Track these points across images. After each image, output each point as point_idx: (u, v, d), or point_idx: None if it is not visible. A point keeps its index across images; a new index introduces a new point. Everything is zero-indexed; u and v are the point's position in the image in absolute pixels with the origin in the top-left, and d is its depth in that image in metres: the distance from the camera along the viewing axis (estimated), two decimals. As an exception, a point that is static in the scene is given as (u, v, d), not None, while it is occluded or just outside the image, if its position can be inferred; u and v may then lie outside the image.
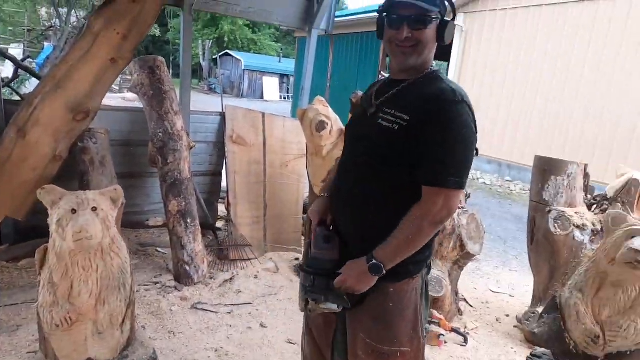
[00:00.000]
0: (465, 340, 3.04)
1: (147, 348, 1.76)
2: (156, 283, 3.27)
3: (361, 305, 1.39)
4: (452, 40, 9.53)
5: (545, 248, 3.15)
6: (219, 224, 4.39)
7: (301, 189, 4.25)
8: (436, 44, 1.36)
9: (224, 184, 4.29)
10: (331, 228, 1.48)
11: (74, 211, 1.53)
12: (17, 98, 5.35)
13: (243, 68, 26.78)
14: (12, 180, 2.91)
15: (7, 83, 4.78)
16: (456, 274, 3.42)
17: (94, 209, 1.57)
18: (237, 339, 2.83)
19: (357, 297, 1.36)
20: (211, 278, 3.49)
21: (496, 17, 9.17)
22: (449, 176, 1.23)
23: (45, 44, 15.29)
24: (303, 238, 4.16)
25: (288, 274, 3.75)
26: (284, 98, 26.86)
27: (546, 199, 3.17)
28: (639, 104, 7.07)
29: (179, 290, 3.23)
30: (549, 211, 3.10)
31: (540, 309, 2.95)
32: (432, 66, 1.39)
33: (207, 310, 3.08)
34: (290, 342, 2.88)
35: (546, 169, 3.21)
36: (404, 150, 1.28)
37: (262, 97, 26.32)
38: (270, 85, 27.14)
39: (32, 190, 2.99)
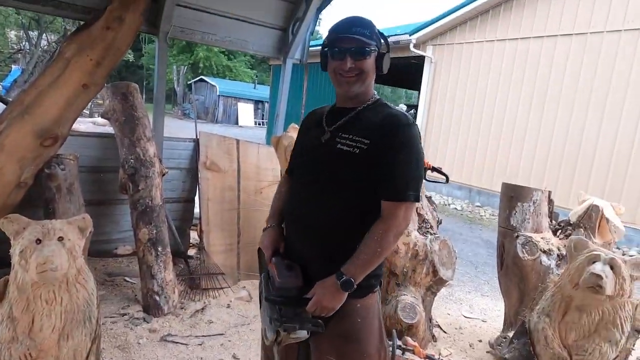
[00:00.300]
0: (439, 368, 3.04)
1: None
2: (124, 314, 3.15)
3: (326, 327, 1.40)
4: (423, 71, 9.88)
5: (515, 273, 3.23)
6: (191, 252, 4.30)
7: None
8: (375, 73, 1.48)
9: (196, 210, 4.23)
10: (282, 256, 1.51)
11: (38, 241, 1.48)
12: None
13: (218, 94, 26.86)
14: (-28, 208, 2.79)
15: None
16: (429, 300, 3.44)
17: (60, 239, 1.52)
18: (209, 372, 2.74)
19: (324, 319, 1.37)
20: (182, 308, 3.39)
21: (463, 50, 9.62)
22: (408, 191, 1.37)
23: (13, 66, 14.95)
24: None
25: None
26: (259, 124, 26.97)
27: (514, 225, 3.28)
28: (598, 133, 7.47)
29: (148, 322, 3.12)
30: (517, 236, 3.19)
31: (511, 334, 3.00)
32: (374, 93, 1.53)
33: (177, 342, 2.98)
34: (264, 374, 2.80)
35: (512, 196, 3.32)
36: (365, 171, 1.40)
37: (237, 123, 26.35)
38: (245, 111, 27.26)
39: (-7, 218, 2.87)
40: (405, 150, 1.38)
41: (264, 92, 27.12)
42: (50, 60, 3.36)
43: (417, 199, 1.40)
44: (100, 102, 11.09)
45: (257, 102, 28.02)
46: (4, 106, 3.58)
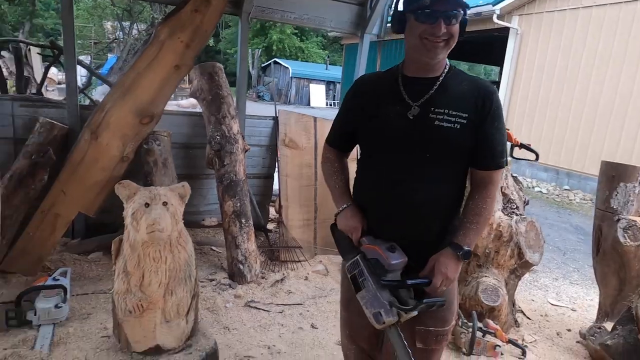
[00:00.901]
0: (524, 353, 2.91)
1: (209, 339, 1.83)
2: (212, 280, 3.39)
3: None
4: (507, 44, 9.18)
5: (614, 259, 2.96)
6: (270, 226, 4.48)
7: (351, 193, 4.26)
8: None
9: (275, 186, 4.39)
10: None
11: (147, 205, 1.63)
12: (89, 102, 5.75)
13: (291, 75, 27.27)
14: (85, 180, 3.14)
15: (81, 89, 5.16)
16: (513, 284, 3.28)
17: (165, 204, 1.66)
18: (289, 338, 2.87)
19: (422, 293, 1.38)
20: (263, 278, 3.57)
21: (554, 19, 8.78)
22: (503, 157, 1.41)
23: (109, 55, 16.38)
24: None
25: (338, 277, 3.76)
26: (330, 105, 27.04)
27: (614, 207, 2.98)
28: None
29: (233, 288, 3.33)
30: (618, 220, 2.91)
31: (607, 324, 2.77)
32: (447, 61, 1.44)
33: (259, 308, 3.16)
34: (339, 344, 2.88)
35: (614, 175, 3.02)
36: (467, 145, 1.37)
37: (309, 104, 26.65)
38: (317, 92, 27.44)
39: (101, 189, 3.21)
40: (498, 118, 1.38)
41: (335, 72, 27.05)
42: (145, 44, 3.63)
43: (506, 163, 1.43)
44: (184, 85, 11.78)
45: (329, 83, 28.06)
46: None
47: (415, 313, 1.31)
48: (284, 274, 3.69)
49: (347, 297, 1.58)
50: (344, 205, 1.54)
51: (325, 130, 4.15)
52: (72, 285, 3.02)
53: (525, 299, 3.80)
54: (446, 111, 1.35)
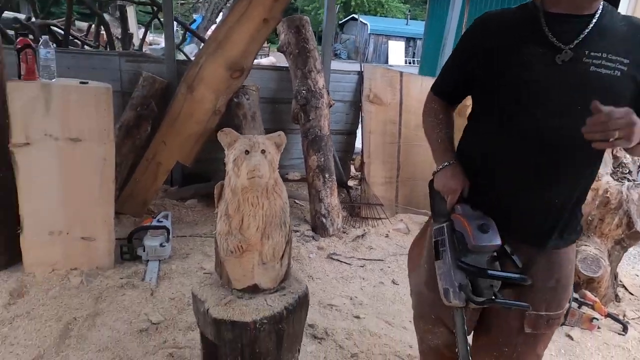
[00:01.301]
0: (625, 329, 2.69)
1: (301, 283, 1.90)
2: (296, 231, 3.52)
3: (537, 279, 1.26)
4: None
5: None
6: (350, 183, 4.50)
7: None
8: None
9: (357, 144, 4.36)
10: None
11: (247, 152, 1.68)
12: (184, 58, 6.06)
13: (369, 32, 26.39)
14: (182, 132, 3.35)
15: (177, 45, 5.44)
16: (617, 255, 3.00)
17: (263, 152, 1.71)
18: (370, 292, 2.92)
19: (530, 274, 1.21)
20: (344, 232, 3.63)
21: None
22: None
23: (195, 15, 17.00)
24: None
25: (419, 237, 3.70)
26: (410, 62, 25.89)
27: None
28: None
29: (316, 240, 3.43)
30: None
31: None
32: None
33: (341, 261, 3.23)
34: (422, 302, 2.87)
35: None
36: (626, 96, 1.13)
37: (386, 62, 25.76)
38: (396, 50, 26.35)
39: (196, 141, 3.41)
40: None
41: (416, 28, 25.62)
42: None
43: None
44: (264, 45, 11.89)
45: (409, 40, 26.74)
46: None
47: (486, 304, 1.17)
48: (364, 230, 3.72)
49: (432, 274, 1.36)
50: (445, 163, 1.36)
51: (411, 86, 3.99)
52: (173, 228, 3.31)
53: (628, 274, 3.48)
54: (605, 55, 1.12)
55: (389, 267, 3.26)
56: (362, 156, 3.94)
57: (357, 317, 2.63)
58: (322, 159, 3.46)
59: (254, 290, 1.81)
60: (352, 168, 4.66)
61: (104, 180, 2.60)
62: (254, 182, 1.67)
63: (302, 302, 1.87)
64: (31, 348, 2.09)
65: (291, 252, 1.91)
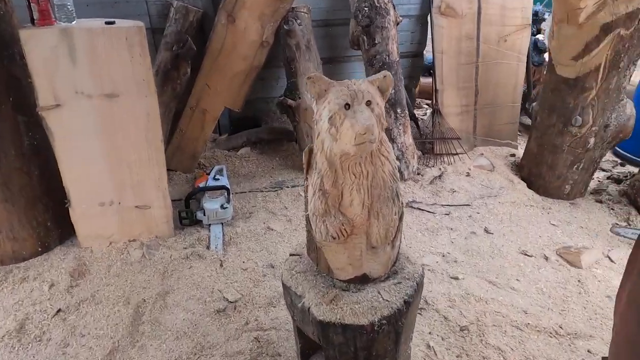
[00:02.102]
0: None
1: (415, 265, 1.51)
2: (365, 177, 3.10)
3: None
4: None
5: None
6: (418, 113, 3.95)
7: (521, 71, 3.44)
8: None
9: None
10: None
11: (347, 106, 1.21)
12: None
13: None
14: (226, 71, 2.85)
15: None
16: None
17: (369, 103, 1.23)
18: (462, 245, 2.53)
19: None
20: (419, 174, 3.18)
21: None
22: None
23: None
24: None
25: (506, 173, 3.21)
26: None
27: None
28: None
29: (390, 187, 3.01)
30: None
31: None
32: None
33: (423, 209, 2.83)
34: (526, 254, 2.47)
35: None
36: None
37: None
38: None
39: (244, 80, 2.92)
40: None
41: None
42: None
43: None
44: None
45: None
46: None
47: None
48: (440, 169, 3.25)
49: None
50: None
51: (493, -12, 3.24)
52: (230, 182, 2.96)
53: None
54: None
55: (478, 212, 2.83)
56: (434, 82, 3.34)
57: (455, 278, 2.27)
58: (393, 92, 2.92)
59: (362, 280, 1.44)
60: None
61: (151, 139, 2.21)
62: (363, 148, 1.22)
63: (420, 289, 1.49)
64: (104, 339, 1.87)
65: (402, 228, 1.50)
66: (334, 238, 1.36)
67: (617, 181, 3.18)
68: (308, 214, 1.43)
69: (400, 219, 1.43)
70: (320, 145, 1.33)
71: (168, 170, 3.04)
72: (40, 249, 2.32)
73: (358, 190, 1.35)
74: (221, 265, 2.30)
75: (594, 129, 2.73)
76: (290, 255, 1.65)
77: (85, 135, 2.11)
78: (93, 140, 2.14)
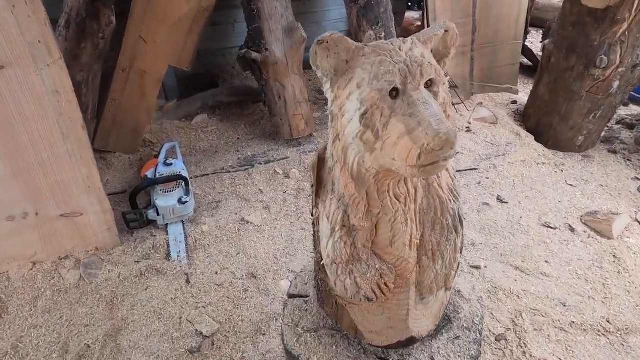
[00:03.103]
0: None
1: (471, 302, 1.06)
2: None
3: None
4: None
5: None
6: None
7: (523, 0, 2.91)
8: None
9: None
10: None
11: (395, 92, 0.67)
12: None
13: None
14: (166, 17, 2.14)
15: None
16: None
17: (430, 84, 0.69)
18: (475, 220, 2.13)
19: None
20: (413, 133, 2.69)
21: None
22: None
23: None
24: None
25: (511, 125, 2.79)
26: None
27: None
28: None
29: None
30: None
31: None
32: None
33: (425, 180, 2.37)
34: (549, 226, 2.11)
35: None
36: None
37: None
38: None
39: (190, 28, 2.22)
40: None
41: None
42: None
43: None
44: None
45: None
46: None
47: None
48: (436, 124, 2.77)
49: None
50: None
51: None
52: (186, 164, 2.36)
53: None
54: None
55: (487, 177, 2.42)
56: (424, 18, 2.76)
57: (477, 268, 1.89)
58: (383, 35, 2.33)
59: (407, 343, 0.98)
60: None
61: (67, 128, 1.57)
62: (432, 171, 0.69)
63: (480, 336, 1.06)
64: (35, 417, 1.36)
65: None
66: (370, 300, 0.87)
67: (630, 126, 2.85)
68: (320, 258, 0.92)
69: (460, 252, 0.95)
70: (341, 156, 0.79)
71: (105, 152, 2.39)
72: None
73: (403, 221, 0.84)
74: (187, 281, 1.79)
75: (620, 70, 2.30)
76: (289, 297, 1.16)
77: (-37, 129, 1.44)
78: (-22, 135, 1.47)
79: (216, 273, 1.83)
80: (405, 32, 3.70)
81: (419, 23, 2.97)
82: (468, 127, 2.78)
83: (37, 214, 1.71)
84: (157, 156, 2.16)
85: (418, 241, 0.87)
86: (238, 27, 2.61)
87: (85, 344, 1.55)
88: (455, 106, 2.87)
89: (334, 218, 0.84)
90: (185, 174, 2.02)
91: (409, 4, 3.82)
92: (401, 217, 0.83)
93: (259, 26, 2.18)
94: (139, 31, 2.13)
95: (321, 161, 0.86)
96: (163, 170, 2.02)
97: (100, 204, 1.78)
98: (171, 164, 2.06)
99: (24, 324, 1.63)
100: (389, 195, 0.81)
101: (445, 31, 0.76)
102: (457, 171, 2.44)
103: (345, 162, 0.79)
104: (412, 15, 3.43)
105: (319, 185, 0.88)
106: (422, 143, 0.63)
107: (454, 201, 0.88)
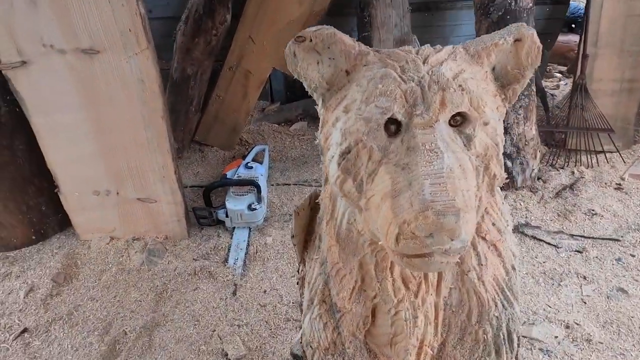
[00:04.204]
0: None
1: None
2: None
3: None
4: None
5: None
6: (548, 85, 2.84)
7: None
8: None
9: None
10: None
11: (394, 126, 0.40)
12: None
13: None
14: (276, 19, 2.10)
15: None
16: None
17: (458, 121, 0.41)
18: (601, 309, 1.60)
19: None
20: (539, 179, 2.20)
21: None
22: None
23: None
24: None
25: (686, 192, 2.08)
26: None
27: None
28: None
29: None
30: None
31: None
32: None
33: (541, 240, 1.89)
34: None
35: None
36: None
37: None
38: None
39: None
40: None
41: None
42: None
43: None
44: None
45: None
46: None
47: None
48: (574, 173, 2.22)
49: None
50: None
51: None
52: (272, 170, 2.30)
53: None
54: None
55: (633, 255, 1.82)
56: (583, 44, 2.23)
57: (587, 376, 1.39)
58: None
59: None
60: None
61: (149, 117, 1.60)
62: (422, 265, 0.40)
63: None
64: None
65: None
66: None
67: None
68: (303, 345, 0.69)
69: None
70: (328, 205, 0.56)
71: (204, 145, 2.47)
72: (34, 237, 1.92)
73: (411, 318, 0.57)
74: (234, 293, 1.69)
75: None
76: (293, 357, 0.94)
77: (64, 105, 1.56)
78: (75, 112, 1.58)
79: (265, 291, 1.70)
80: (557, 58, 3.12)
81: (568, 46, 2.42)
82: (619, 185, 2.16)
83: (118, 193, 1.79)
84: (244, 156, 2.13)
85: (434, 351, 0.58)
86: (352, 35, 2.46)
87: (123, 330, 1.56)
88: (608, 154, 2.27)
89: (314, 287, 0.60)
90: (262, 180, 1.94)
91: (573, 25, 3.21)
92: (407, 312, 0.55)
93: (368, 34, 1.99)
94: (249, 31, 2.13)
95: (313, 199, 0.63)
96: (242, 173, 1.98)
97: (172, 195, 1.80)
98: (252, 167, 2.00)
99: (86, 293, 1.72)
100: (391, 276, 0.54)
101: (517, 40, 0.47)
102: (590, 238, 1.89)
103: (332, 216, 0.55)
104: (573, 39, 2.85)
105: (308, 237, 0.65)
106: (403, 219, 0.36)
107: (504, 306, 0.57)
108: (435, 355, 0.58)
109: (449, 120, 0.43)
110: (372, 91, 0.43)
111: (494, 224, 0.55)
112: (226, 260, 1.83)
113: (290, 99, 2.67)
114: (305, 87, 0.53)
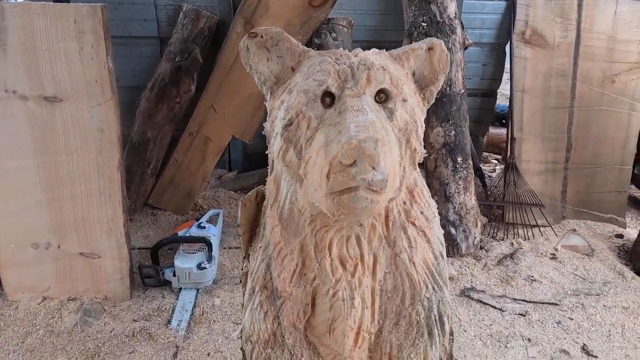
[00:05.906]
0: None
1: None
2: (406, 246, 2.30)
3: None
4: None
5: None
6: (485, 169, 3.11)
7: (634, 122, 2.54)
8: None
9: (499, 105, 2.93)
10: None
11: (329, 98, 0.47)
12: None
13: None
14: (238, 91, 2.26)
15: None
16: None
17: (383, 95, 0.50)
18: (548, 371, 1.61)
19: None
20: (482, 249, 2.31)
21: None
22: None
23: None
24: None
25: (612, 261, 2.25)
26: None
27: None
28: None
29: (440, 263, 2.17)
30: None
31: None
32: None
33: (486, 303, 1.94)
34: (658, 405, 1.49)
35: None
36: None
37: None
38: None
39: (259, 105, 2.31)
40: None
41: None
42: None
43: None
44: None
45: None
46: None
47: None
48: (513, 244, 2.37)
49: None
50: None
51: (596, 12, 2.49)
52: (225, 234, 2.29)
53: None
54: None
55: (571, 318, 1.89)
56: (510, 129, 2.54)
57: None
58: (453, 133, 2.16)
59: None
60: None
61: (104, 165, 1.61)
62: (350, 203, 0.45)
63: None
64: None
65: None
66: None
67: None
68: (242, 340, 0.68)
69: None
70: (272, 189, 0.60)
71: (157, 208, 2.44)
72: (-46, 297, 1.74)
73: (348, 299, 0.59)
74: (175, 355, 1.57)
75: None
76: None
77: (16, 151, 1.55)
78: (27, 159, 1.57)
79: (208, 354, 1.59)
80: (492, 147, 3.48)
81: (502, 138, 2.74)
82: (554, 254, 2.31)
83: (59, 246, 1.71)
84: (198, 219, 2.12)
85: (371, 337, 0.59)
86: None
87: (42, 398, 1.39)
88: (541, 228, 2.45)
89: (256, 275, 0.62)
90: (214, 240, 1.92)
91: (503, 120, 3.63)
92: (345, 291, 0.58)
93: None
94: (212, 101, 2.27)
95: (260, 197, 0.67)
96: (195, 232, 1.95)
97: (118, 249, 1.74)
98: (205, 227, 1.99)
99: (5, 358, 1.54)
100: (330, 256, 0.58)
101: (430, 49, 0.58)
102: (532, 302, 1.97)
103: (276, 198, 0.59)
104: (504, 132, 3.21)
105: (253, 232, 0.68)
106: (332, 155, 0.42)
107: (434, 289, 0.61)
108: (372, 342, 0.59)
109: (375, 97, 0.52)
110: (311, 72, 0.52)
111: (422, 212, 0.62)
112: (169, 321, 1.72)
113: (248, 169, 2.76)
114: (255, 80, 0.61)
